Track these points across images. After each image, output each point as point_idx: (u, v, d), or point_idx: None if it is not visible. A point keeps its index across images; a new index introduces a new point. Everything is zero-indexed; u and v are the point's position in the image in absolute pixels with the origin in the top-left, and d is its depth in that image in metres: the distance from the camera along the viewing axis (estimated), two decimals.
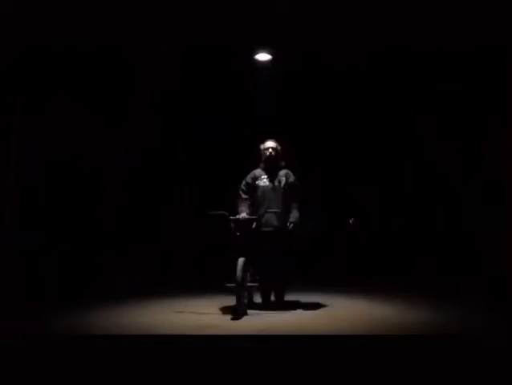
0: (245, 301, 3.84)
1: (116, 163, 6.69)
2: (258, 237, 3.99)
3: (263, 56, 6.61)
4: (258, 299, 4.32)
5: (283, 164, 4.32)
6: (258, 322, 3.48)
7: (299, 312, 3.99)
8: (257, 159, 4.37)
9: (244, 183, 4.25)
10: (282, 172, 4.26)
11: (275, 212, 4.05)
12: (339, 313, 3.90)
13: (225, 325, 3.34)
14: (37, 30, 4.76)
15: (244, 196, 4.19)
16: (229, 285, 3.67)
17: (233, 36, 4.95)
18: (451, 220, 7.20)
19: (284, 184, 4.19)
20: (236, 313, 3.64)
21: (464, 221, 6.67)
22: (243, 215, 4.02)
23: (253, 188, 4.21)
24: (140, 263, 6.96)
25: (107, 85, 6.51)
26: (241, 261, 3.67)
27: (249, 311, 3.83)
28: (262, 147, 4.32)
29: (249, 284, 3.92)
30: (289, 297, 4.46)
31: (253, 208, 4.14)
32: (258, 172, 4.29)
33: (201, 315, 3.76)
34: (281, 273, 4.12)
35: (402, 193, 8.25)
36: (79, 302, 4.46)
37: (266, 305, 4.14)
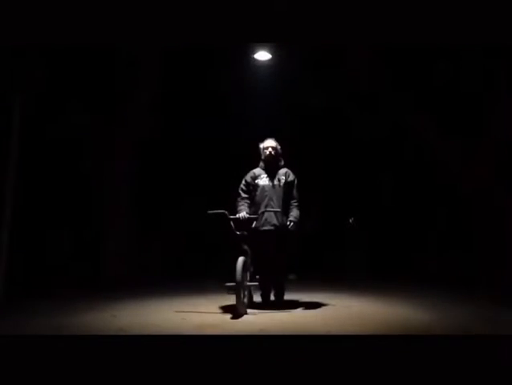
0: (245, 300, 3.85)
1: (117, 163, 6.69)
2: (257, 236, 3.99)
3: (262, 55, 6.60)
4: (257, 298, 4.33)
5: (283, 162, 4.33)
6: (258, 321, 3.48)
7: (299, 311, 3.99)
8: (256, 158, 4.37)
9: (244, 182, 4.25)
10: (282, 171, 4.26)
11: (275, 211, 4.06)
12: (339, 312, 3.91)
13: (225, 324, 3.34)
14: (37, 30, 4.75)
15: (244, 195, 4.20)
16: (228, 284, 3.67)
17: (232, 36, 4.95)
18: (452, 219, 7.20)
19: (284, 183, 4.19)
20: (236, 312, 3.64)
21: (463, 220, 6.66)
22: (243, 214, 4.02)
23: (252, 186, 4.21)
24: (139, 261, 6.97)
25: (106, 84, 6.52)
26: (240, 260, 3.67)
27: (249, 311, 3.83)
28: (261, 146, 4.32)
29: (248, 283, 3.93)
30: (289, 297, 4.46)
31: (253, 207, 4.15)
32: (257, 170, 4.29)
33: (201, 315, 3.76)
34: (280, 272, 4.13)
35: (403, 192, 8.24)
36: (79, 302, 4.46)
37: (265, 305, 4.14)
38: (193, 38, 4.91)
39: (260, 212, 4.05)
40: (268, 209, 4.05)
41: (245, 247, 3.95)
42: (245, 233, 3.97)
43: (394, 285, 5.94)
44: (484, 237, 6.16)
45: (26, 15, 4.67)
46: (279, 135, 4.39)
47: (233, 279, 3.60)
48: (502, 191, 6.01)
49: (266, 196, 4.13)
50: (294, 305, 4.24)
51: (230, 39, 4.95)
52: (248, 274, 3.91)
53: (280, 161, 4.31)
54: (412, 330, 3.14)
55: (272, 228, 4.04)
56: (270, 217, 4.06)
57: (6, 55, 5.47)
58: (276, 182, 4.19)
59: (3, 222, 4.98)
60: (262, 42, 6.08)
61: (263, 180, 4.20)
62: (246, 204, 4.14)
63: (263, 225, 4.05)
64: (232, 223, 3.97)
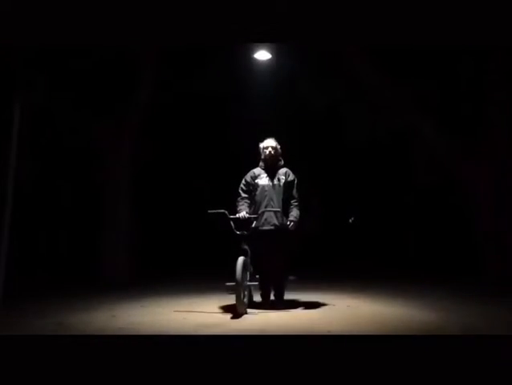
0: (245, 300, 3.84)
1: (120, 159, 6.67)
2: (257, 236, 3.99)
3: (262, 55, 6.58)
4: (258, 298, 4.32)
5: (282, 162, 4.32)
6: (258, 321, 3.47)
7: (299, 311, 3.99)
8: (256, 157, 4.37)
9: (243, 182, 4.25)
10: (282, 171, 4.26)
11: (275, 211, 4.06)
12: (339, 312, 3.91)
13: (225, 324, 3.34)
14: (37, 30, 4.74)
15: (243, 194, 4.19)
16: (229, 284, 3.66)
17: (233, 36, 4.93)
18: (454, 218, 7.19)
19: (284, 183, 4.19)
20: (236, 312, 3.64)
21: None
22: (243, 214, 4.02)
23: (252, 186, 4.20)
24: (140, 261, 6.96)
25: (107, 84, 6.52)
26: (240, 260, 3.66)
27: (249, 310, 3.83)
28: (261, 146, 4.32)
29: (248, 283, 3.92)
30: (289, 296, 4.45)
31: (253, 207, 4.15)
32: (257, 170, 4.29)
33: (201, 314, 3.76)
34: (280, 272, 4.12)
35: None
36: (79, 302, 4.46)
37: (265, 304, 4.14)
38: (193, 38, 4.89)
39: (260, 211, 4.05)
40: (268, 209, 4.05)
41: (245, 247, 3.95)
42: (245, 232, 3.97)
43: (395, 284, 5.94)
44: (486, 235, 6.15)
45: (25, 16, 4.66)
46: (279, 134, 4.39)
47: (233, 279, 3.60)
48: (503, 192, 6.01)
49: (266, 195, 4.13)
50: (294, 304, 4.24)
51: (230, 39, 4.93)
52: (248, 274, 3.91)
53: (280, 161, 4.31)
54: (416, 330, 3.13)
55: (272, 227, 4.04)
56: (270, 217, 4.06)
57: (6, 56, 5.47)
58: (276, 182, 4.18)
59: (3, 222, 4.99)
60: (262, 42, 6.05)
61: (263, 180, 4.19)
62: (246, 204, 4.13)
63: (263, 225, 4.04)
64: (232, 223, 3.97)
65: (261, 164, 4.32)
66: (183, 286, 5.86)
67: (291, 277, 4.42)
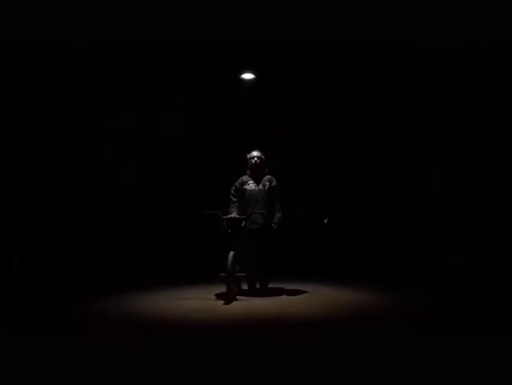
0: (235, 288, 4.52)
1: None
2: (245, 233, 4.60)
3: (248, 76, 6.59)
4: (245, 287, 4.89)
5: (267, 170, 4.96)
6: (246, 306, 4.17)
7: (282, 297, 4.62)
8: (244, 166, 5.01)
9: (233, 187, 4.91)
10: (266, 178, 4.91)
11: (261, 213, 4.71)
12: (316, 298, 4.53)
13: (217, 308, 4.04)
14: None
15: (233, 198, 4.87)
16: (221, 274, 4.34)
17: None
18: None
19: (268, 188, 4.85)
20: (227, 298, 4.31)
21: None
22: (233, 215, 4.67)
23: (241, 191, 4.87)
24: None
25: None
26: (231, 254, 4.34)
27: (238, 297, 4.48)
28: (248, 156, 4.96)
29: (238, 274, 4.56)
30: (273, 285, 5.00)
31: (242, 209, 4.80)
32: (245, 177, 4.95)
33: (197, 300, 4.36)
34: (264, 264, 4.77)
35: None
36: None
37: (252, 291, 4.77)
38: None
39: (248, 213, 4.69)
40: (255, 211, 4.70)
41: (235, 242, 4.51)
42: (236, 230, 4.55)
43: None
44: None
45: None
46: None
47: (224, 270, 4.29)
48: None
49: (253, 199, 4.79)
50: (276, 292, 4.81)
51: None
52: (237, 266, 4.53)
53: (265, 169, 4.95)
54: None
55: (258, 226, 4.70)
56: (257, 218, 4.72)
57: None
58: (261, 187, 4.85)
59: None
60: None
61: (250, 186, 4.86)
62: (236, 207, 4.80)
63: (251, 224, 4.68)
64: (224, 222, 4.59)
65: (248, 172, 4.96)
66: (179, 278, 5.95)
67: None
